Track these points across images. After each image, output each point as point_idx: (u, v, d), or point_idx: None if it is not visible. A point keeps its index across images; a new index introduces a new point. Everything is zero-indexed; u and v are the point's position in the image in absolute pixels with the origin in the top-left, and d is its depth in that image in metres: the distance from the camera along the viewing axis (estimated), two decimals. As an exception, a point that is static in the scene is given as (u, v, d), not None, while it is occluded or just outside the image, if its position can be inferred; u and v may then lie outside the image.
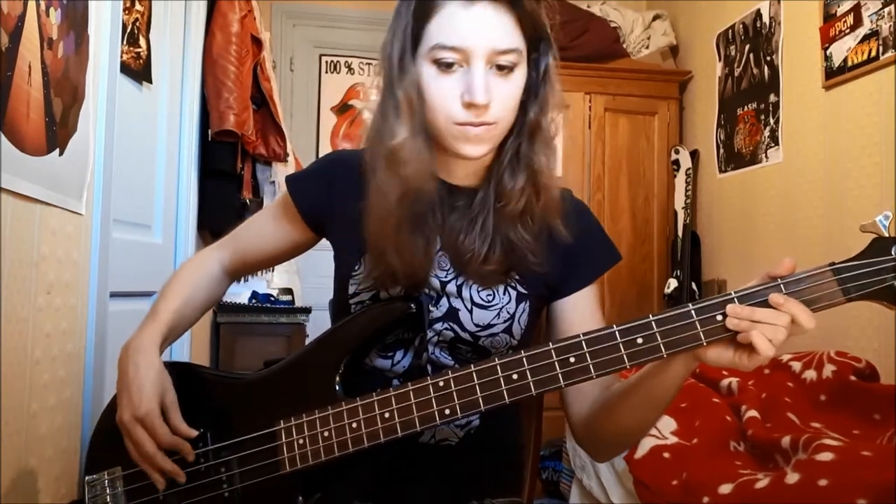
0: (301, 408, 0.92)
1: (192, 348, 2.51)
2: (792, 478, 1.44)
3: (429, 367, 0.99)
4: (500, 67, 0.89)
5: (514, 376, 0.84)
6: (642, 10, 3.73)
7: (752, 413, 1.88)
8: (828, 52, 2.51)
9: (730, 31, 3.18)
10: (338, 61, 3.96)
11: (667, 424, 1.89)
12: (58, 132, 1.31)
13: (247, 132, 2.66)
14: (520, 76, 0.91)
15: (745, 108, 3.05)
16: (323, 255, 1.10)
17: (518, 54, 0.90)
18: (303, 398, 0.93)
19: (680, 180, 3.41)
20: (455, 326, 0.98)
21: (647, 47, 3.56)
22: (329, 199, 1.05)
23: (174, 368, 1.00)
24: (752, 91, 3.01)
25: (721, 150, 3.23)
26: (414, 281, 0.96)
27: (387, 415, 0.87)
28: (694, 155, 3.41)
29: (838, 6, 2.46)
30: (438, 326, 0.98)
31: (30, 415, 1.24)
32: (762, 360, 0.78)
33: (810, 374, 2.04)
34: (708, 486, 1.56)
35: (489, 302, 0.98)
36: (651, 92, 3.51)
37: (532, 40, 0.92)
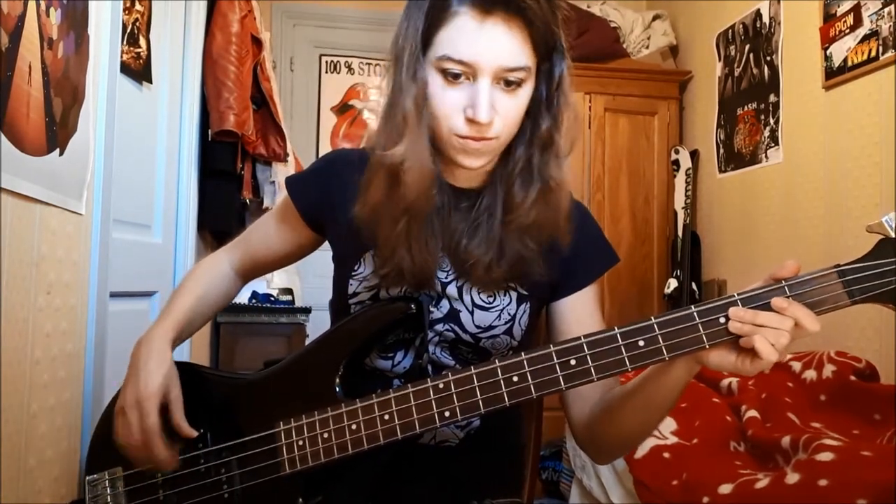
0: (301, 409, 0.92)
1: (192, 348, 2.51)
2: (792, 478, 1.44)
3: (429, 368, 0.98)
4: (508, 83, 0.88)
5: (515, 378, 0.83)
6: (642, 10, 3.73)
7: (752, 413, 1.88)
8: (828, 52, 2.51)
9: (730, 31, 3.18)
10: (338, 61, 3.96)
11: (667, 424, 1.89)
12: (58, 132, 1.31)
13: (247, 132, 2.66)
14: (526, 92, 0.90)
15: (745, 108, 3.05)
16: (323, 255, 1.10)
17: (526, 71, 0.88)
18: (302, 399, 0.93)
19: (680, 180, 3.41)
20: (456, 328, 0.98)
21: (647, 47, 3.56)
22: (328, 198, 1.05)
23: (177, 368, 1.00)
24: (752, 91, 3.01)
25: (721, 150, 3.23)
26: (420, 279, 0.96)
27: (386, 417, 0.87)
28: (694, 155, 3.41)
29: (838, 6, 2.46)
30: (439, 327, 0.98)
31: (30, 415, 1.24)
32: (765, 366, 0.77)
33: (810, 374, 2.04)
34: (708, 486, 1.56)
35: (490, 303, 0.97)
36: (651, 92, 3.50)
37: (544, 53, 0.91)
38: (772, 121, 2.86)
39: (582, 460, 2.30)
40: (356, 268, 1.00)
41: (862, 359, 2.04)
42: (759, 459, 1.72)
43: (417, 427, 0.86)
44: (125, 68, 1.87)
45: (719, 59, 3.26)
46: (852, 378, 1.96)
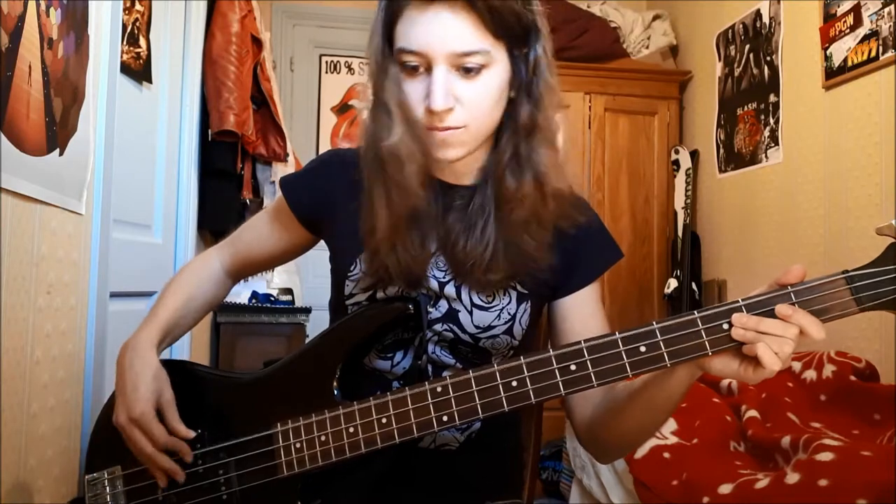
0: (299, 410, 0.91)
1: (192, 348, 2.51)
2: (792, 478, 1.44)
3: (429, 368, 0.98)
4: (466, 70, 0.86)
5: (514, 383, 0.82)
6: (642, 10, 3.73)
7: (752, 413, 1.88)
8: (828, 52, 2.51)
9: (730, 31, 3.18)
10: (338, 61, 3.96)
11: (667, 424, 1.89)
12: (58, 132, 1.31)
13: (247, 132, 2.66)
14: (491, 77, 0.88)
15: (745, 108, 3.05)
16: (323, 255, 1.10)
17: (484, 55, 0.86)
18: (300, 401, 0.92)
19: (680, 180, 3.41)
20: (455, 328, 0.97)
21: (647, 47, 3.56)
22: (324, 199, 1.04)
23: (172, 367, 1.00)
24: (752, 91, 3.01)
25: (721, 150, 3.22)
26: (409, 280, 0.95)
27: (384, 420, 0.86)
28: (694, 155, 3.41)
29: (838, 6, 2.46)
30: (438, 327, 0.97)
31: (30, 415, 1.24)
32: (768, 374, 0.75)
33: (810, 374, 2.04)
34: (708, 486, 1.55)
35: (489, 303, 0.97)
36: (651, 92, 3.51)
37: (511, 37, 0.89)
38: (772, 121, 2.86)
39: (582, 460, 2.30)
40: (352, 268, 0.99)
41: (862, 359, 2.04)
42: (759, 459, 1.72)
43: (415, 431, 0.85)
44: (125, 68, 1.87)
45: (719, 59, 3.26)
46: (852, 378, 1.96)
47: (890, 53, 2.22)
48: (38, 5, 1.20)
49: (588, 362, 0.80)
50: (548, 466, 2.85)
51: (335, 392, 0.93)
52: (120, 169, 1.72)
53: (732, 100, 3.15)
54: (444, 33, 0.85)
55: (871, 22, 2.30)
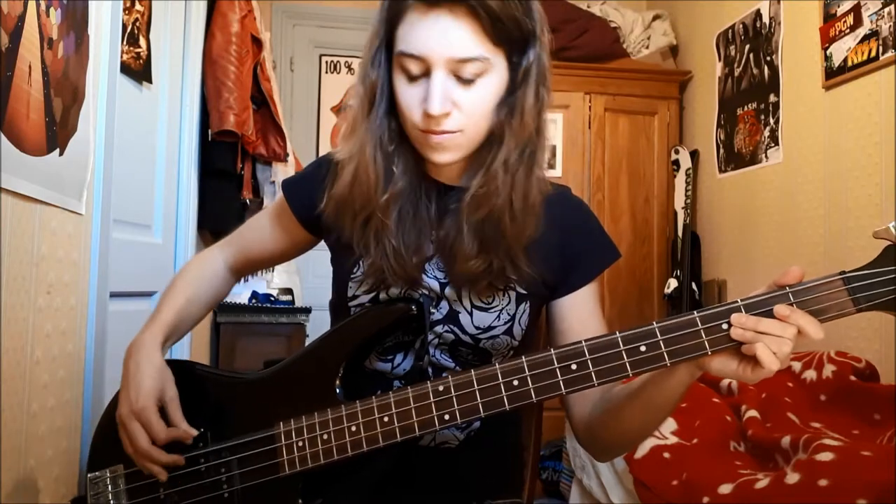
0: (301, 410, 0.92)
1: (192, 348, 2.51)
2: (792, 478, 1.44)
3: (430, 370, 0.98)
4: (464, 75, 0.86)
5: (515, 382, 0.82)
6: (642, 10, 3.73)
7: (752, 413, 1.88)
8: (828, 52, 2.51)
9: (730, 31, 3.18)
10: (338, 61, 3.96)
11: (667, 424, 1.89)
12: (58, 132, 1.31)
13: (247, 132, 2.66)
14: (489, 84, 0.88)
15: (745, 108, 3.05)
16: (323, 255, 1.10)
17: (482, 63, 0.86)
18: (302, 400, 0.93)
19: (680, 180, 3.41)
20: (455, 329, 0.97)
21: (647, 47, 3.56)
22: (319, 202, 1.04)
23: (175, 366, 1.01)
24: (752, 91, 3.01)
25: (721, 150, 3.23)
26: (406, 280, 0.96)
27: (386, 419, 0.87)
28: (694, 155, 3.41)
29: (838, 6, 2.46)
30: (439, 329, 0.98)
31: (30, 415, 1.24)
32: (767, 374, 0.76)
33: (810, 374, 2.04)
34: (708, 486, 1.56)
35: (489, 304, 0.97)
36: (651, 92, 3.51)
37: (511, 43, 0.89)
38: (772, 121, 2.86)
39: (582, 460, 2.30)
40: (354, 270, 1.00)
41: (862, 359, 2.04)
42: (759, 459, 1.72)
43: (417, 430, 0.86)
44: (125, 68, 1.87)
45: (719, 59, 3.26)
46: (852, 378, 1.96)
47: (890, 53, 2.22)
48: (38, 5, 1.20)
49: (589, 362, 0.81)
50: (548, 466, 2.85)
51: (338, 392, 0.93)
52: (120, 169, 1.72)
53: (732, 100, 3.15)
54: (444, 39, 0.85)
55: (871, 22, 2.30)
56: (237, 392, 1.00)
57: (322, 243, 1.13)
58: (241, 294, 3.05)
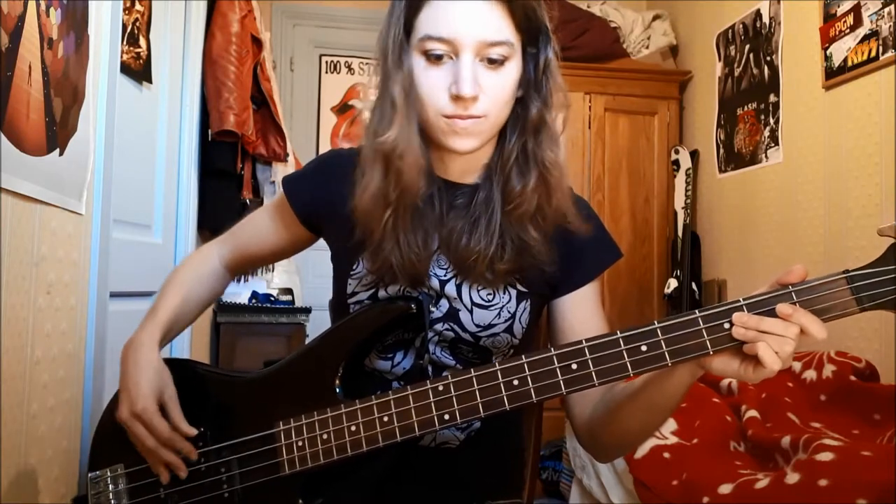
0: (301, 409, 0.92)
1: (192, 348, 2.51)
2: (792, 478, 1.44)
3: (429, 368, 0.98)
4: (491, 60, 0.88)
5: (515, 382, 0.82)
6: (642, 10, 3.73)
7: (752, 413, 1.88)
8: (828, 52, 2.51)
9: (730, 31, 3.18)
10: (338, 61, 3.96)
11: (667, 424, 1.89)
12: (58, 132, 1.31)
13: (247, 132, 2.66)
14: (512, 70, 0.90)
15: (745, 108, 3.05)
16: (323, 255, 1.10)
17: (509, 47, 0.88)
18: (302, 399, 0.93)
19: (680, 180, 3.41)
20: (455, 327, 0.97)
21: (647, 47, 3.56)
22: (325, 198, 1.04)
23: (175, 365, 1.00)
24: (752, 91, 3.01)
25: (721, 150, 3.23)
26: (413, 277, 0.96)
27: (385, 419, 0.87)
28: (694, 155, 3.41)
29: (838, 6, 2.46)
30: (439, 327, 0.98)
31: (29, 415, 1.24)
32: (768, 374, 0.75)
33: (810, 374, 2.04)
34: (708, 486, 1.55)
35: (489, 301, 0.97)
36: (651, 92, 3.51)
37: (528, 34, 0.91)
38: (772, 121, 2.86)
39: (582, 460, 2.30)
40: (354, 267, 1.00)
41: (862, 359, 2.04)
42: (759, 459, 1.72)
43: (416, 429, 0.86)
44: (125, 68, 1.87)
45: (719, 59, 3.26)
46: (852, 378, 1.96)
47: (890, 53, 2.22)
48: (38, 5, 1.20)
49: (589, 361, 0.80)
50: (548, 466, 2.85)
51: (337, 391, 0.93)
52: (120, 169, 1.72)
53: (732, 100, 3.15)
54: (475, 21, 0.86)
55: (871, 22, 2.30)
56: (237, 391, 1.00)
57: (321, 242, 1.13)
58: (241, 294, 3.05)
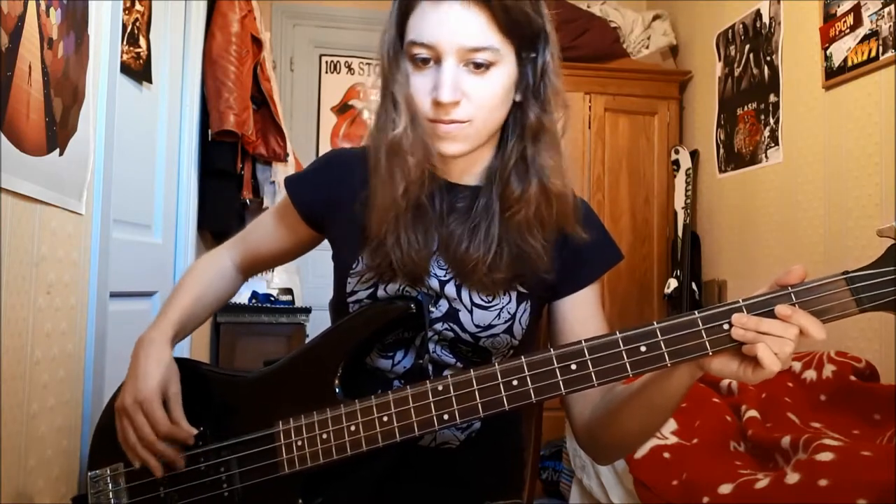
0: (301, 409, 0.92)
1: (192, 348, 2.51)
2: (792, 478, 1.44)
3: (430, 367, 0.98)
4: (477, 65, 0.88)
5: (515, 382, 0.82)
6: (642, 10, 3.73)
7: (752, 413, 1.88)
8: (828, 52, 2.51)
9: (730, 31, 3.18)
10: (338, 61, 3.96)
11: (667, 424, 1.89)
12: (58, 132, 1.31)
13: (247, 132, 2.66)
14: (499, 75, 0.89)
15: (745, 108, 3.05)
16: (323, 255, 1.11)
17: (494, 52, 0.88)
18: (302, 399, 0.93)
19: (680, 180, 3.41)
20: (455, 327, 0.97)
21: (647, 47, 3.56)
22: (326, 197, 1.05)
23: (177, 364, 1.01)
24: (752, 91, 3.01)
25: (721, 150, 3.23)
26: (412, 275, 0.96)
27: (385, 419, 0.87)
28: (694, 155, 3.41)
29: (838, 6, 2.46)
30: (438, 327, 0.98)
31: (29, 415, 1.24)
32: (768, 375, 0.75)
33: (810, 374, 2.04)
34: (708, 486, 1.56)
35: (489, 302, 0.97)
36: (651, 92, 3.51)
37: (521, 38, 0.90)
38: (772, 121, 2.86)
39: (582, 460, 2.30)
40: (354, 266, 1.00)
41: (862, 359, 2.04)
42: (759, 459, 1.72)
43: (416, 430, 0.86)
44: (125, 68, 1.87)
45: (719, 59, 3.26)
46: (852, 378, 1.96)
47: (890, 53, 2.22)
48: (38, 5, 1.20)
49: (588, 362, 0.80)
50: (548, 466, 2.85)
51: (337, 391, 0.93)
52: (120, 169, 1.72)
53: (732, 100, 3.15)
54: (455, 27, 0.86)
55: (871, 22, 2.30)
56: (237, 391, 1.00)
57: (324, 243, 1.14)
58: (241, 294, 3.05)
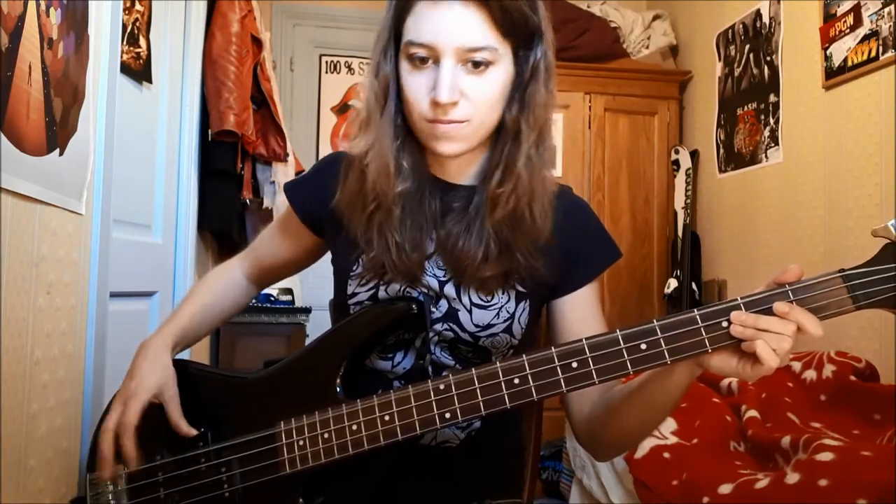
0: (301, 409, 0.92)
1: (192, 348, 2.50)
2: (792, 478, 1.44)
3: (430, 369, 0.98)
4: (476, 64, 0.88)
5: (516, 381, 0.83)
6: (642, 10, 3.73)
7: (752, 413, 1.88)
8: (828, 52, 2.51)
9: (730, 31, 3.18)
10: (338, 61, 3.96)
11: (667, 424, 1.89)
12: (58, 132, 1.31)
13: (247, 132, 2.66)
14: (498, 74, 0.90)
15: (745, 108, 3.05)
16: (324, 256, 1.11)
17: (492, 52, 0.88)
18: (303, 399, 0.93)
19: (680, 180, 3.41)
20: (455, 327, 0.97)
21: (647, 47, 3.56)
22: (325, 200, 1.05)
23: (176, 366, 1.02)
24: (752, 91, 3.01)
25: (721, 150, 3.23)
26: (407, 276, 0.96)
27: (387, 417, 0.87)
28: (694, 155, 3.41)
29: (838, 6, 2.46)
30: (438, 327, 0.98)
31: (29, 415, 1.24)
32: (766, 371, 0.77)
33: (810, 374, 2.04)
34: (708, 486, 1.56)
35: (488, 302, 0.97)
36: (651, 92, 3.51)
37: (518, 38, 0.90)
38: (772, 121, 2.86)
39: (582, 460, 2.30)
40: (354, 268, 1.00)
41: (862, 359, 2.04)
42: (759, 459, 1.72)
43: (418, 428, 0.86)
44: (125, 68, 1.87)
45: (719, 59, 3.26)
46: (852, 378, 1.96)
47: (890, 53, 2.22)
48: (38, 5, 1.20)
49: (589, 360, 0.81)
50: (548, 466, 2.85)
51: (338, 391, 0.93)
52: (120, 169, 1.72)
53: (732, 100, 3.15)
54: (454, 27, 0.86)
55: (871, 22, 2.30)
56: (238, 391, 1.01)
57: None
58: (240, 294, 3.05)
